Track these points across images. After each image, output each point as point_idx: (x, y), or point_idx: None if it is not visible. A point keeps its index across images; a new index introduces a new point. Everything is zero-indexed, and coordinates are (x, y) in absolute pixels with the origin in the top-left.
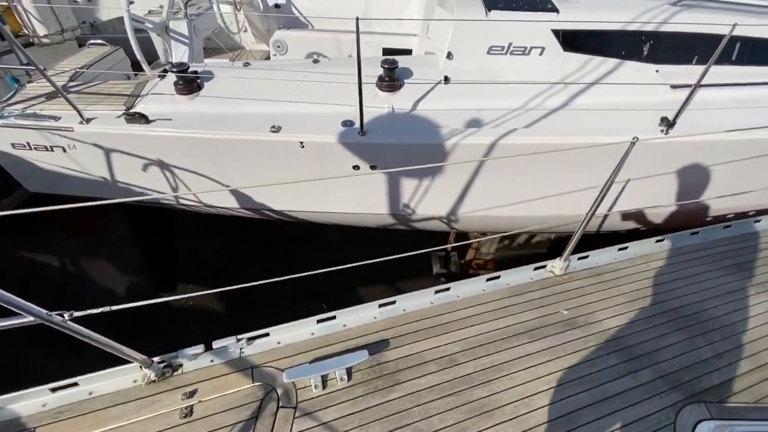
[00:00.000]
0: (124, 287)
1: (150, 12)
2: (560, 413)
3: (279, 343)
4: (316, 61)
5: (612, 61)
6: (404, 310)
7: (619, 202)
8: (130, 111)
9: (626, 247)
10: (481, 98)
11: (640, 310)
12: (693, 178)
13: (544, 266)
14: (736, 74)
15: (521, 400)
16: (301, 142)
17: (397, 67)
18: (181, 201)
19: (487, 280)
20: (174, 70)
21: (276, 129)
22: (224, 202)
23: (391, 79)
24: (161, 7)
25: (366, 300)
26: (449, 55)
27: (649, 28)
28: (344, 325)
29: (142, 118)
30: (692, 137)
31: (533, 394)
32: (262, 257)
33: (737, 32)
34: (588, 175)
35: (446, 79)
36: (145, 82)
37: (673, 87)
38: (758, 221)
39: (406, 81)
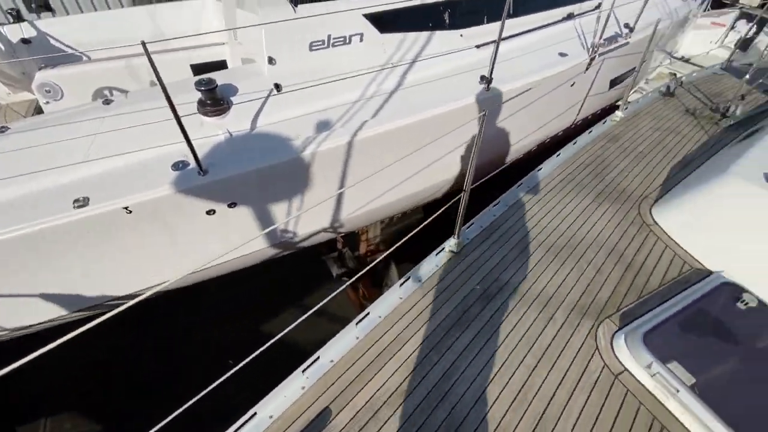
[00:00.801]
0: None
1: None
2: (518, 387)
3: None
4: (108, 102)
5: (424, 35)
6: (332, 361)
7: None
8: None
9: (498, 202)
10: (321, 98)
11: (532, 256)
12: (519, 122)
13: (443, 249)
14: (518, 25)
15: (481, 395)
16: (126, 207)
17: (217, 85)
18: None
19: (401, 285)
20: None
21: (82, 202)
22: (48, 314)
23: (215, 100)
24: None
25: (292, 352)
26: (271, 60)
27: None
28: (270, 417)
29: None
30: (512, 86)
31: (491, 381)
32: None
33: None
34: (438, 144)
35: (278, 87)
36: None
37: (478, 47)
38: (575, 143)
39: (233, 98)
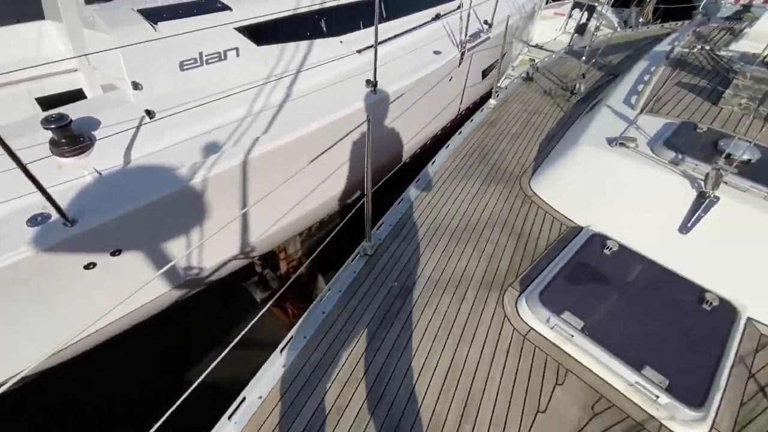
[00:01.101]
0: None
1: None
2: (445, 371)
3: None
4: None
5: (304, 44)
6: (260, 397)
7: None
8: None
9: (402, 199)
10: (203, 119)
11: (439, 244)
12: (410, 120)
13: (357, 254)
14: (392, 28)
15: (414, 388)
16: None
17: (71, 120)
18: None
19: (321, 300)
20: None
21: None
22: None
23: (71, 138)
24: None
25: (220, 396)
26: (136, 86)
27: (315, 6)
28: None
29: None
30: (396, 87)
31: (420, 372)
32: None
33: None
34: (336, 151)
35: (150, 114)
36: None
37: (359, 52)
38: (460, 133)
39: (96, 133)
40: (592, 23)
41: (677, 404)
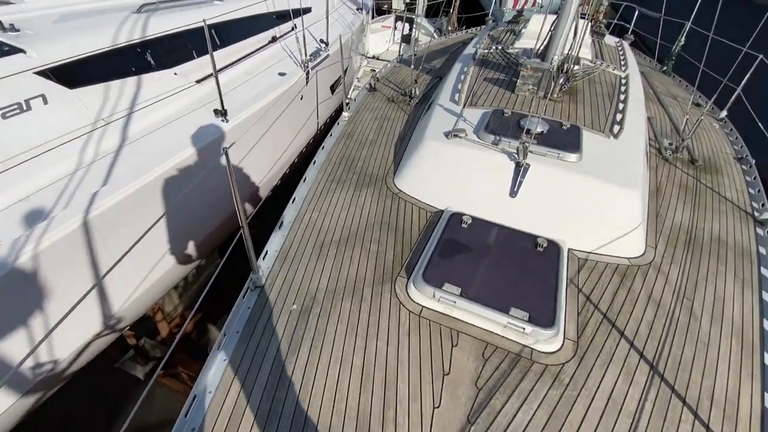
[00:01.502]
0: None
1: None
2: (360, 371)
3: None
4: None
5: (131, 81)
6: None
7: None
8: None
9: (282, 222)
10: (17, 183)
11: (328, 257)
12: (272, 142)
13: (247, 288)
14: (230, 54)
15: (336, 398)
16: None
17: None
18: None
19: (219, 347)
20: None
21: None
22: None
23: None
24: None
25: None
26: None
27: (136, 39)
28: None
29: None
30: (246, 114)
31: (338, 381)
32: None
33: (210, 21)
34: (198, 191)
35: None
36: None
37: (199, 82)
38: (323, 147)
39: None
40: (414, 32)
41: (538, 329)
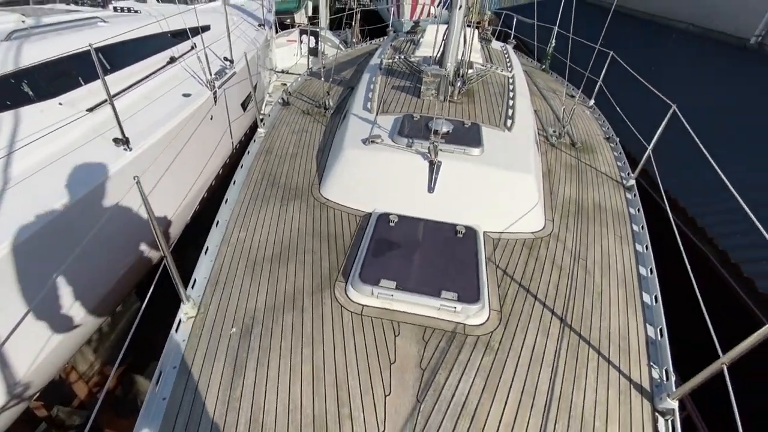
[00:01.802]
0: None
1: None
2: (310, 379)
3: None
4: None
5: (7, 116)
6: None
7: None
8: None
9: (207, 247)
10: None
11: (263, 274)
12: (185, 165)
13: (179, 320)
14: (124, 78)
15: (290, 411)
16: None
17: None
18: None
19: (155, 388)
20: None
21: None
22: None
23: None
24: None
25: None
26: None
27: (9, 70)
28: None
29: None
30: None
31: (290, 393)
32: None
33: (97, 45)
34: (110, 227)
35: None
36: None
37: (90, 110)
38: (242, 166)
39: None
40: (321, 45)
41: (467, 306)
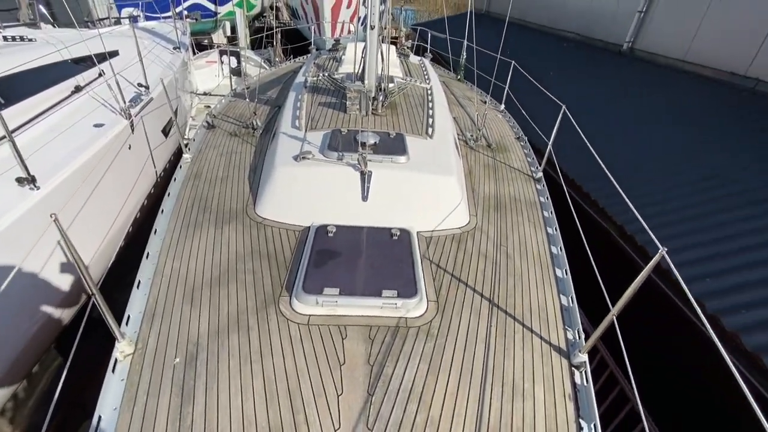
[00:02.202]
0: None
1: None
2: (263, 396)
3: None
4: None
5: None
6: None
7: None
8: None
9: (139, 281)
10: None
11: (203, 299)
12: (102, 197)
13: (116, 360)
14: (21, 113)
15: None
16: None
17: None
18: None
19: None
20: None
21: None
22: None
23: None
24: None
25: None
26: None
27: None
28: None
29: None
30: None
31: (243, 413)
32: None
33: None
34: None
35: None
36: None
37: None
38: (169, 194)
39: None
40: (243, 65)
41: (407, 301)
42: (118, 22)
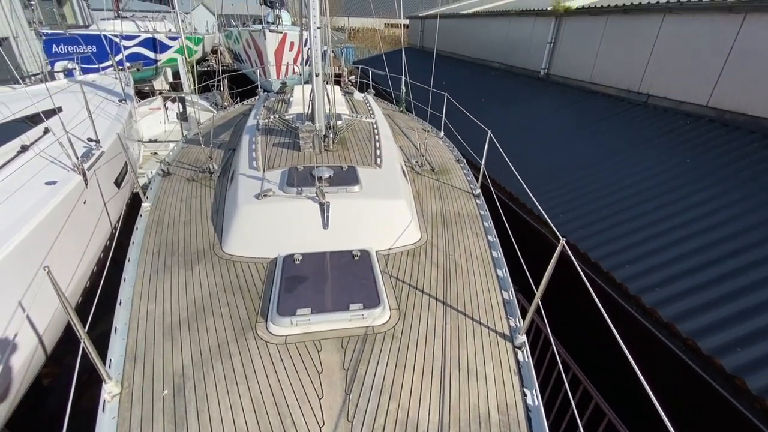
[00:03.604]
0: None
1: None
2: (262, 408)
3: None
4: None
5: None
6: None
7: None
8: None
9: (116, 327)
10: None
11: (180, 337)
12: (66, 256)
13: (104, 401)
14: None
15: None
16: None
17: None
18: None
19: None
20: None
21: None
22: None
23: None
24: None
25: None
26: None
27: None
28: None
29: None
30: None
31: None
32: None
33: None
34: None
35: None
36: None
37: None
38: (133, 242)
39: None
40: (194, 111)
41: (372, 311)
42: (52, 76)
